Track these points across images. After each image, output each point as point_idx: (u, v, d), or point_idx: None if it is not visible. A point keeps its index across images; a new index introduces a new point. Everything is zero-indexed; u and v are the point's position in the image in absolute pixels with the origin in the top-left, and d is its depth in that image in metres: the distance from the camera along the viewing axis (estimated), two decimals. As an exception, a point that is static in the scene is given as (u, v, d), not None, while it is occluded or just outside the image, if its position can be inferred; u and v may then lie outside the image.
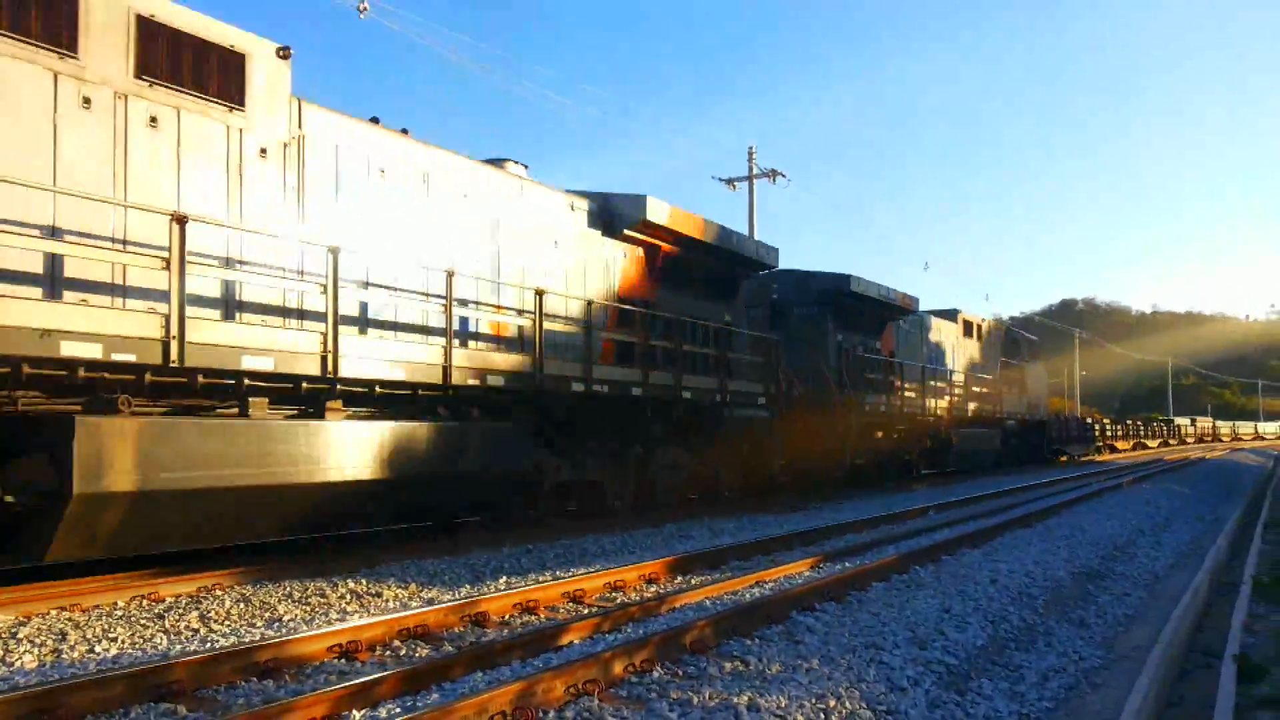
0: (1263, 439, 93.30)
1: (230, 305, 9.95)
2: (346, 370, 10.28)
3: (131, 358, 8.41)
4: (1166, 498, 21.20)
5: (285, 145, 10.42)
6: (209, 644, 7.17)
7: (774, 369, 18.53)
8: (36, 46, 8.34)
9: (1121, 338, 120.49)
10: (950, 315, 28.65)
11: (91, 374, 8.36)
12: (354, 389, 10.70)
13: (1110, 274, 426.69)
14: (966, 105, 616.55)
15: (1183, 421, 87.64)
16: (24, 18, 8.26)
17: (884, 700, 5.84)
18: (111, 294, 8.89)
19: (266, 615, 8.35)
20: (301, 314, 10.62)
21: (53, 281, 8.46)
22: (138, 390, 8.72)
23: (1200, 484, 27.08)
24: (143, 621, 7.89)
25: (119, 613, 8.19)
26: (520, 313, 12.95)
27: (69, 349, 7.96)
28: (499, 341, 13.22)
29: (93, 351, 8.12)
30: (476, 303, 12.71)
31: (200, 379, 9.11)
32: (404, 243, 11.74)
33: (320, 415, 10.22)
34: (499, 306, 13.02)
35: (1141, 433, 69.53)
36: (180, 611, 8.28)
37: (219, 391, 9.46)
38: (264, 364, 9.48)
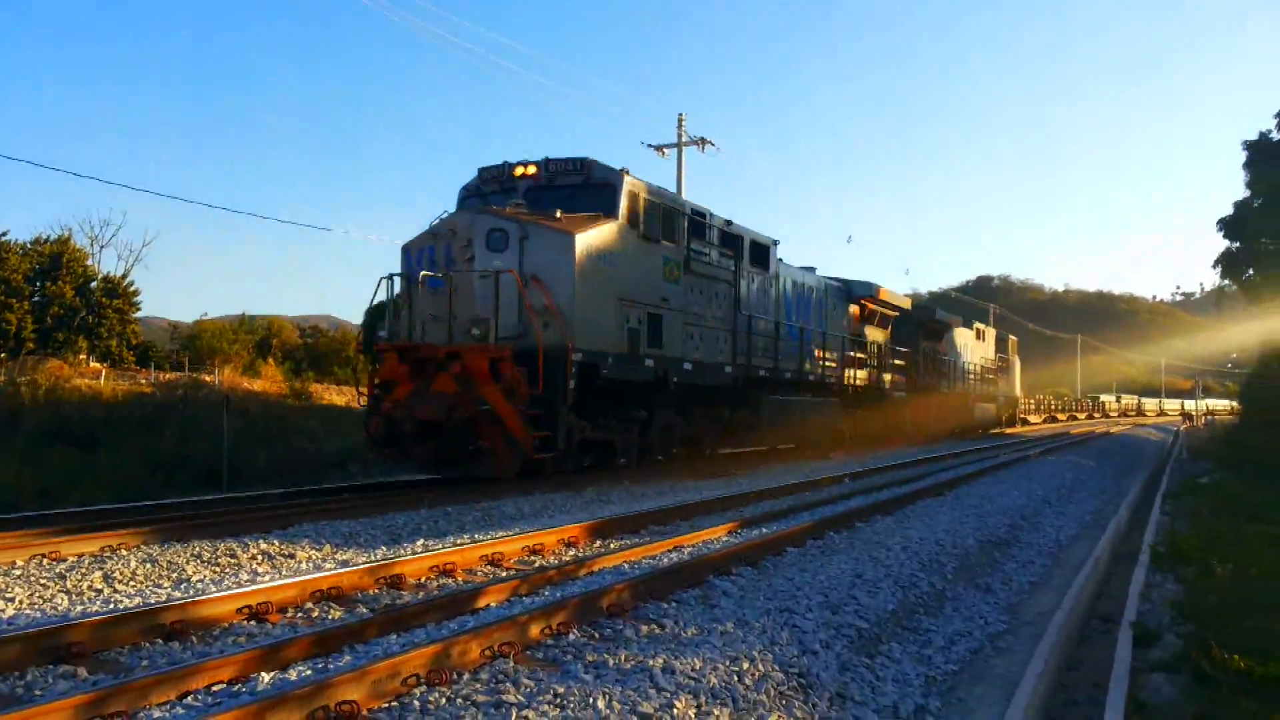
0: (1163, 414, 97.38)
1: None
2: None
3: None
4: (1071, 470, 21.88)
5: (785, 283, 21.96)
6: (112, 605, 6.98)
7: (909, 370, 30.45)
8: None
9: (1034, 314, 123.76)
10: (968, 324, 39.52)
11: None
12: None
13: (1026, 253, 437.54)
14: (892, 85, 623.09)
15: (1108, 398, 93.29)
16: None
17: (796, 663, 5.93)
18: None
19: (174, 576, 8.16)
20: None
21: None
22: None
23: (1104, 458, 28.00)
24: (42, 581, 7.65)
25: (17, 572, 7.92)
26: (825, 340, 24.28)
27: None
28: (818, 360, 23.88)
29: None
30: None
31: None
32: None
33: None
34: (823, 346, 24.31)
35: (1073, 408, 75.51)
36: (83, 571, 8.04)
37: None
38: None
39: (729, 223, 18.91)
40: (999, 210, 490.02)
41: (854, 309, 26.36)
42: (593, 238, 14.65)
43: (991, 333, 43.29)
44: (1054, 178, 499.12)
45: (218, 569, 8.50)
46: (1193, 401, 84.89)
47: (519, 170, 15.91)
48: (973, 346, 38.41)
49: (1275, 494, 17.03)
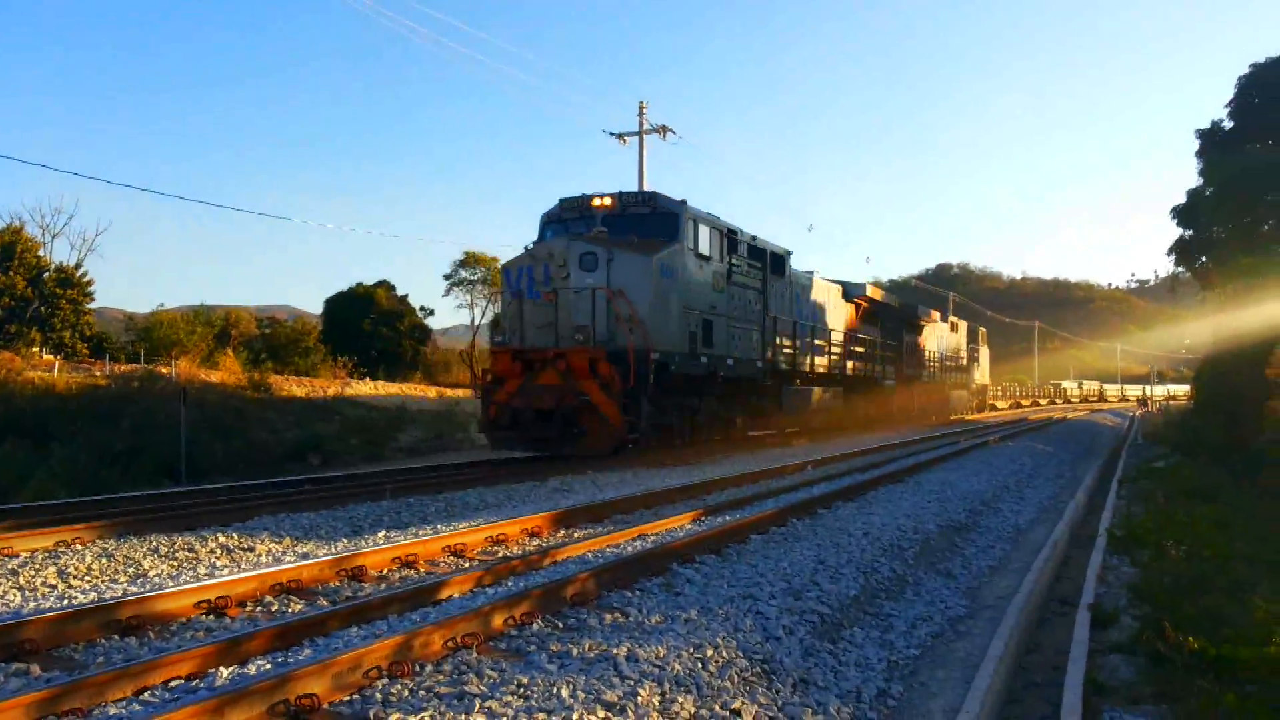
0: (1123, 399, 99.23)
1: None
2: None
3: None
4: (1030, 456, 22.14)
5: (796, 288, 24.91)
6: (66, 601, 6.86)
7: (895, 360, 33.48)
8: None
9: (993, 302, 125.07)
10: (944, 317, 43.15)
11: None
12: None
13: (985, 242, 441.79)
14: (855, 77, 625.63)
15: (1070, 385, 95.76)
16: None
17: (760, 649, 5.95)
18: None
19: (130, 571, 8.03)
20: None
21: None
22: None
23: (1061, 443, 28.37)
24: (-6, 577, 7.50)
25: (-32, 569, 7.76)
26: (824, 337, 26.94)
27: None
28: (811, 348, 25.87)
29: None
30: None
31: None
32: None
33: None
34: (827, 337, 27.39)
35: (1035, 395, 78.03)
36: (36, 567, 7.90)
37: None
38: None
39: (755, 238, 22.17)
40: (959, 200, 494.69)
41: (850, 307, 29.58)
42: (664, 258, 17.95)
43: (964, 325, 46.77)
44: (1013, 168, 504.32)
45: (175, 563, 8.38)
46: (1148, 387, 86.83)
47: (596, 202, 18.82)
48: (948, 338, 41.99)
49: (1227, 478, 17.35)
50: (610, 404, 16.50)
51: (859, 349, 29.80)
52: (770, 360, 22.66)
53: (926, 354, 37.81)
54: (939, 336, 40.16)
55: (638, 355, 16.58)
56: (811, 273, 26.99)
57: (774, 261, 23.18)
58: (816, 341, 26.03)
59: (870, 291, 31.14)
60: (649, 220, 18.60)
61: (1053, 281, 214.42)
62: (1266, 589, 7.31)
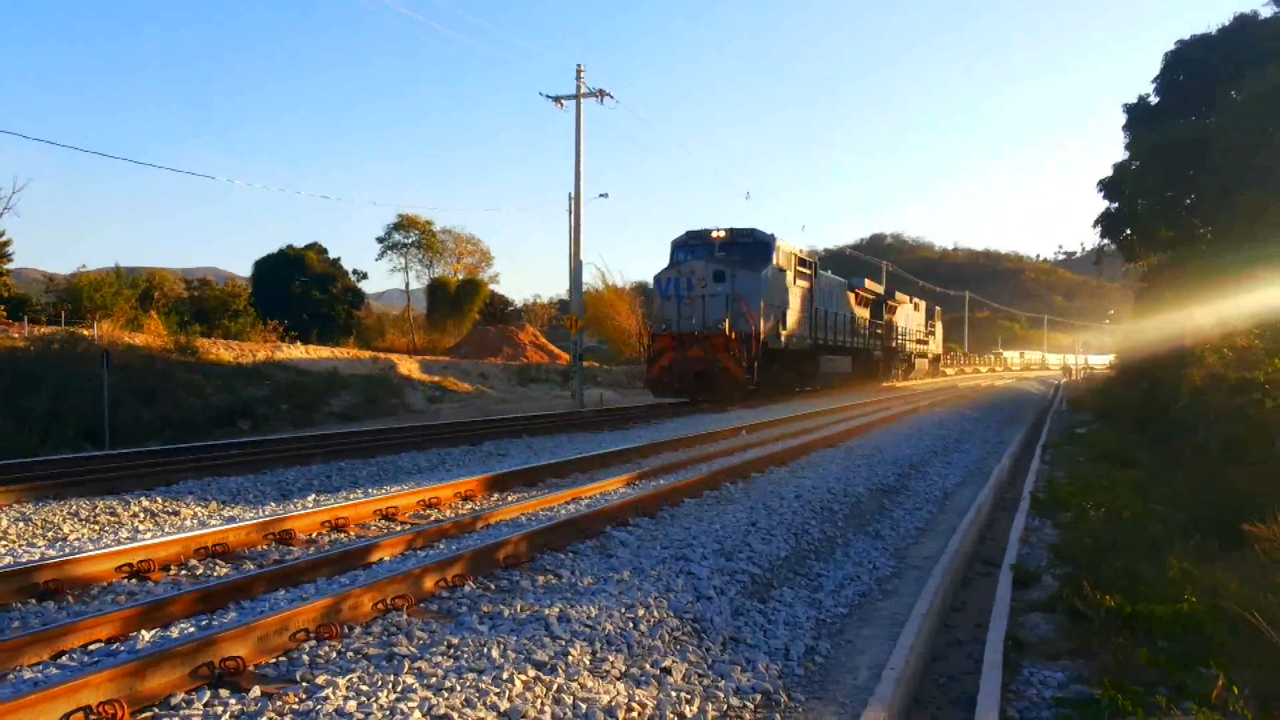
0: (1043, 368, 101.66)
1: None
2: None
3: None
4: (958, 421, 22.56)
5: (815, 287, 31.33)
6: (-19, 565, 6.65)
7: (880, 335, 41.89)
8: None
9: (925, 272, 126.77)
10: (911, 299, 51.80)
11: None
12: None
13: (918, 214, 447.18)
14: (793, 47, 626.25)
15: (1011, 354, 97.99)
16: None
17: (691, 609, 5.99)
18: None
19: (49, 535, 7.83)
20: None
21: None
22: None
23: (988, 409, 28.95)
24: (-96, 542, 7.26)
25: (-124, 533, 7.50)
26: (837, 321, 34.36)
27: None
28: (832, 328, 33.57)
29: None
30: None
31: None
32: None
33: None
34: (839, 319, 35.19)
35: (976, 364, 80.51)
36: (-51, 531, 7.65)
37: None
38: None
39: (805, 252, 31.52)
40: (893, 170, 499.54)
41: (852, 296, 37.83)
42: (765, 274, 26.89)
43: (924, 305, 56.00)
44: (948, 141, 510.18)
45: (96, 527, 8.19)
46: (1072, 357, 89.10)
47: (714, 234, 27.56)
48: (913, 316, 51.10)
49: (1146, 444, 17.85)
50: (737, 368, 25.37)
51: (859, 328, 38.61)
52: (813, 339, 31.38)
53: (899, 330, 46.84)
54: (907, 315, 49.19)
55: (753, 338, 25.71)
56: (828, 272, 35.12)
57: (811, 268, 31.69)
58: (836, 325, 34.49)
59: (867, 285, 40.92)
60: (751, 247, 27.35)
61: (983, 253, 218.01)
62: (1180, 549, 7.54)
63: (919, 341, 52.41)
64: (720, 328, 25.25)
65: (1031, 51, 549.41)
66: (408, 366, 34.29)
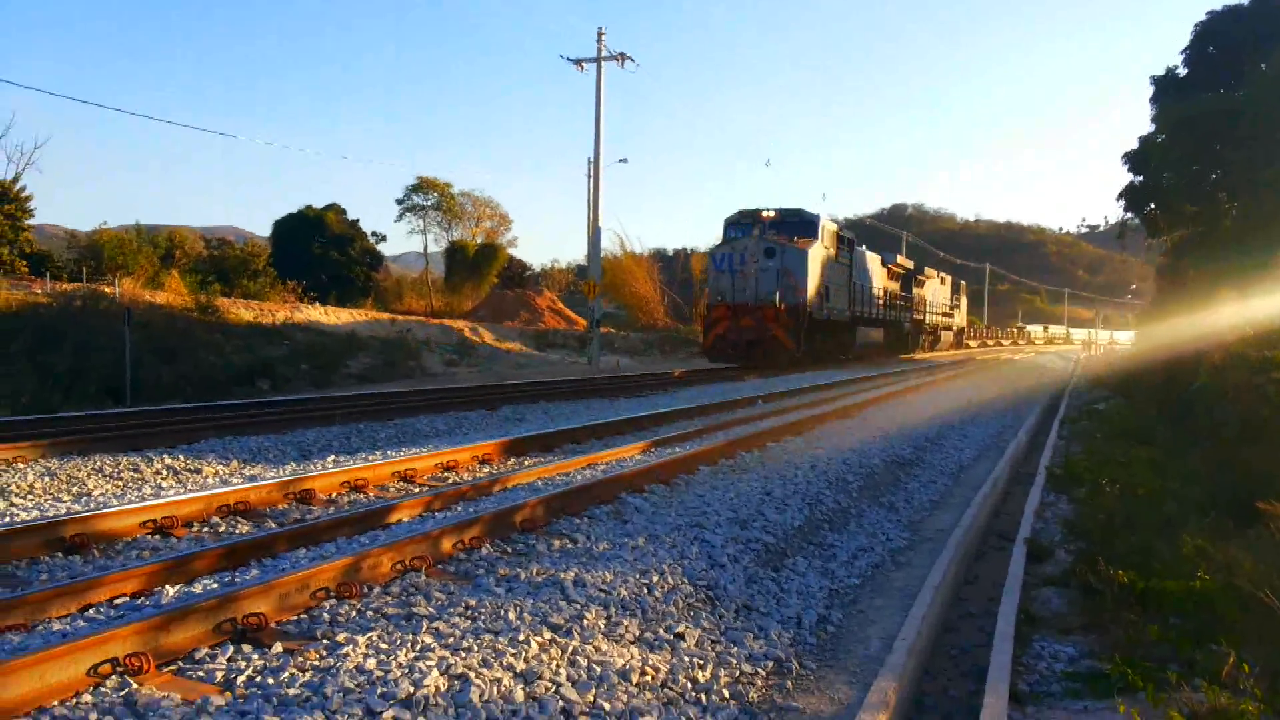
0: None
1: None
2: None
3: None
4: (975, 393, 22.52)
5: (854, 263, 33.90)
6: (8, 518, 6.78)
7: (909, 308, 43.70)
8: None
9: (946, 244, 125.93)
10: (939, 274, 53.46)
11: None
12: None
13: (940, 184, 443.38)
14: (818, 14, 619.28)
15: (1034, 328, 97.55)
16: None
17: (704, 576, 6.05)
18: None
19: (74, 490, 7.95)
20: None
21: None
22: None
23: (1007, 382, 28.88)
24: (-67, 495, 7.39)
25: (-95, 485, 7.63)
26: (872, 294, 36.62)
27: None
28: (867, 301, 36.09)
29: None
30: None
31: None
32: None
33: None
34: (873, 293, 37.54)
35: (999, 337, 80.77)
36: (-24, 485, 7.78)
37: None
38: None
39: (840, 225, 33.21)
40: (916, 140, 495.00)
41: (884, 270, 39.84)
42: (811, 250, 29.15)
43: (950, 279, 58.08)
44: (972, 112, 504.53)
45: (120, 483, 8.31)
46: (1093, 332, 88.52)
47: (764, 214, 29.93)
48: (939, 290, 53.25)
49: (1164, 421, 17.78)
50: (787, 337, 28.15)
51: (891, 301, 40.75)
52: (851, 311, 33.69)
53: (927, 303, 49.00)
54: (934, 289, 51.26)
55: (800, 309, 28.42)
56: (863, 247, 36.73)
57: (849, 244, 33.77)
58: (871, 297, 36.68)
59: (899, 260, 43.35)
60: (798, 225, 29.77)
61: (1005, 224, 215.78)
62: (1194, 526, 7.55)
63: (945, 315, 54.32)
64: (771, 299, 27.81)
65: (1059, 20, 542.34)
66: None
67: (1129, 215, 30.82)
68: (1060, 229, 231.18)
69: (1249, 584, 5.30)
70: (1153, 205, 28.96)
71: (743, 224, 30.05)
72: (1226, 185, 24.84)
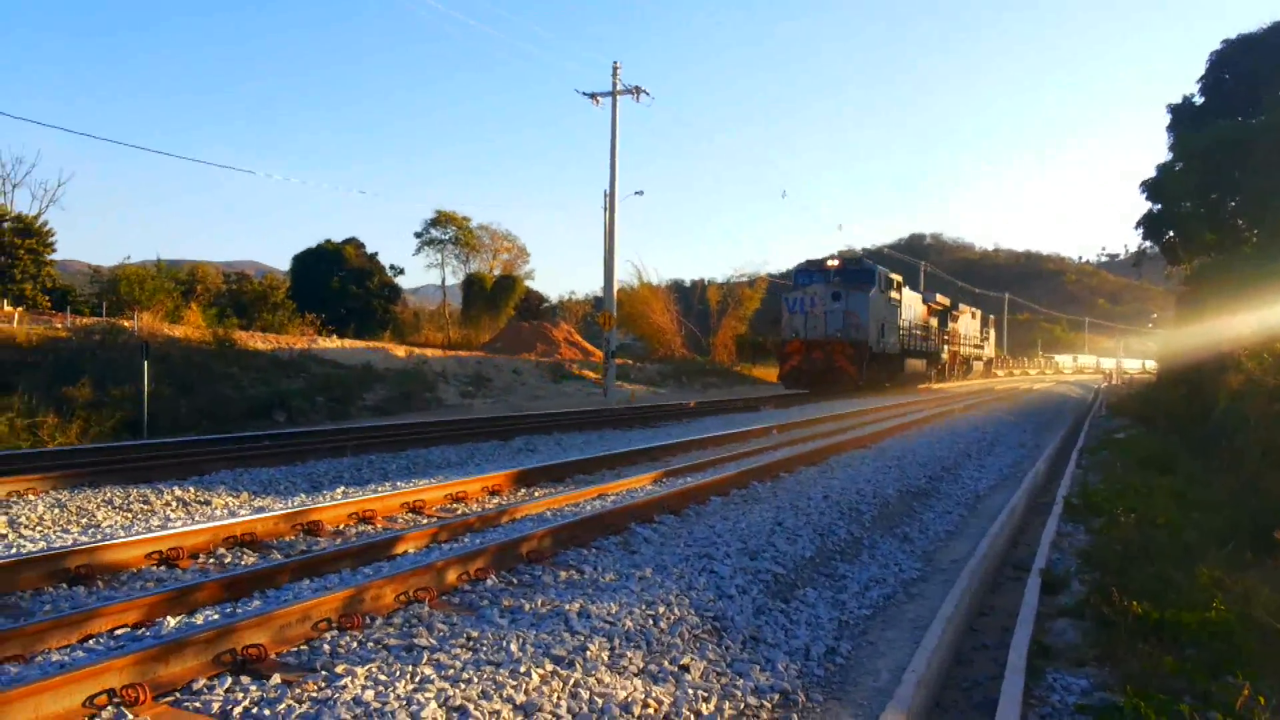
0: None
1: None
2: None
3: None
4: (993, 424, 22.33)
5: (902, 302, 38.36)
6: (15, 549, 6.78)
7: (945, 341, 47.56)
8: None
9: (964, 273, 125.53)
10: (970, 310, 58.03)
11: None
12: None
13: (958, 213, 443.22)
14: (836, 46, 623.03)
15: (1063, 358, 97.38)
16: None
17: (712, 607, 5.98)
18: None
19: (83, 521, 7.96)
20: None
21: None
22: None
23: (1025, 412, 28.64)
24: (-58, 526, 7.40)
25: (-84, 517, 7.66)
26: (915, 329, 40.55)
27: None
28: (912, 336, 40.44)
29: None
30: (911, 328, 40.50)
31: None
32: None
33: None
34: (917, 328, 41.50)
35: (1025, 367, 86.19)
36: (-14, 516, 7.80)
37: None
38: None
39: (890, 272, 37.53)
40: (934, 170, 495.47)
41: (925, 308, 44.06)
42: (870, 294, 33.70)
43: (979, 314, 62.30)
44: (991, 141, 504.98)
45: (129, 514, 8.31)
46: (1114, 361, 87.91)
47: (830, 263, 35.05)
48: (971, 324, 57.75)
49: (1185, 449, 17.56)
50: (852, 368, 33.00)
51: (931, 335, 44.80)
52: (899, 345, 37.79)
53: (961, 336, 53.43)
54: (966, 323, 55.82)
55: (862, 345, 33.11)
56: (904, 286, 40.19)
57: (898, 287, 38.20)
58: (915, 333, 40.72)
59: (937, 298, 48.05)
60: (858, 274, 34.47)
61: (1024, 254, 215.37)
62: (1213, 556, 7.42)
63: (975, 346, 59.63)
64: (838, 336, 33.06)
65: (1078, 49, 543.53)
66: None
67: (1148, 243, 30.69)
68: (1080, 258, 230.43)
69: (1266, 614, 5.19)
70: (1171, 233, 28.82)
71: (810, 271, 35.38)
72: (1244, 212, 24.69)
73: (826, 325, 33.38)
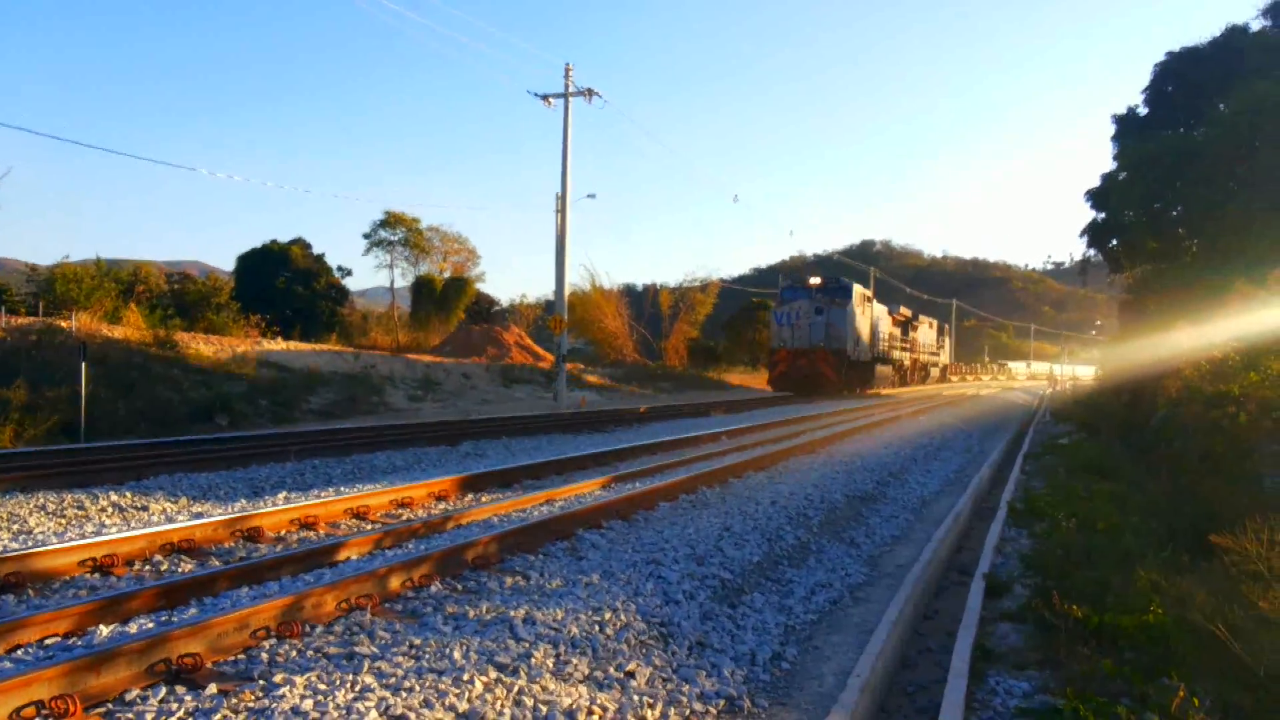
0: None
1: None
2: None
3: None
4: (940, 429, 22.59)
5: (872, 315, 43.51)
6: (-59, 557, 6.56)
7: (907, 349, 52.33)
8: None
9: (913, 280, 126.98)
10: (928, 320, 62.45)
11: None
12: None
13: (907, 221, 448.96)
14: (787, 51, 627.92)
15: (1017, 366, 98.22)
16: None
17: (659, 613, 5.95)
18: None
19: (14, 527, 7.74)
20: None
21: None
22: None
23: (971, 418, 29.02)
24: None
25: None
26: (883, 339, 45.71)
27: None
28: (881, 345, 45.69)
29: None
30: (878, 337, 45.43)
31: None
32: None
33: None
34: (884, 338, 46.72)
35: (978, 373, 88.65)
36: (-88, 523, 7.55)
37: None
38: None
39: (864, 288, 42.96)
40: (883, 177, 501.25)
41: (890, 318, 48.74)
42: (849, 308, 38.48)
43: (935, 323, 66.35)
44: (940, 149, 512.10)
45: (63, 520, 8.10)
46: (1057, 367, 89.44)
47: (811, 282, 40.06)
48: (928, 333, 61.70)
49: (1127, 455, 17.88)
50: (834, 374, 37.53)
51: (894, 344, 49.04)
52: (871, 353, 42.16)
53: (920, 344, 57.51)
54: (924, 332, 59.96)
55: (841, 353, 37.73)
56: (873, 300, 44.79)
57: (871, 301, 42.51)
58: (882, 341, 44.79)
59: (901, 310, 53.14)
60: (837, 290, 39.31)
61: (972, 261, 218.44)
62: (1152, 560, 7.54)
63: (932, 354, 63.94)
64: (820, 345, 37.82)
65: (1025, 60, 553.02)
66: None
67: (1092, 251, 31.25)
68: (1026, 266, 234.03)
69: (1202, 617, 5.28)
70: (1115, 241, 29.37)
71: (795, 288, 40.77)
72: (1187, 221, 25.22)
73: (810, 336, 38.12)
